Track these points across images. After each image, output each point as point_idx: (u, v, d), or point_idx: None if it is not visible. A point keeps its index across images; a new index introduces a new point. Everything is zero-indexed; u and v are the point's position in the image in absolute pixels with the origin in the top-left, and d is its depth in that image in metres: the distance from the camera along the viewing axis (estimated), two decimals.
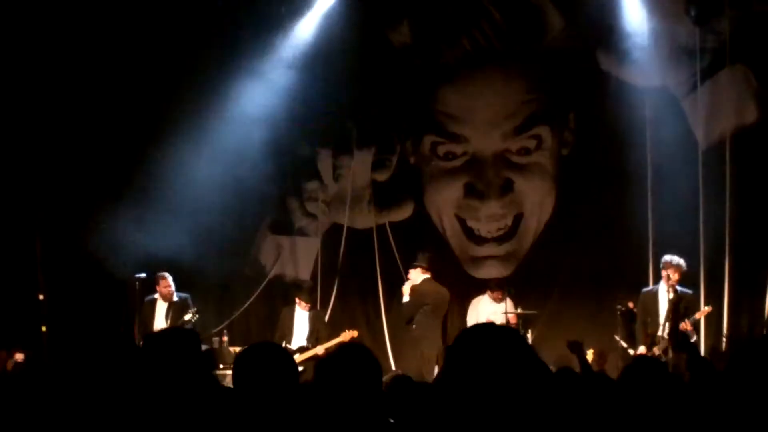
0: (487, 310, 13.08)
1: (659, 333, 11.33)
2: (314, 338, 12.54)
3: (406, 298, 12.52)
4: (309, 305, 12.78)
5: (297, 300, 12.80)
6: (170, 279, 12.54)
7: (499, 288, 13.14)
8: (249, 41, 14.31)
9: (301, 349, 12.32)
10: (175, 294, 12.50)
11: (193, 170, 14.01)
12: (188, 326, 11.55)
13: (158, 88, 13.96)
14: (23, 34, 13.22)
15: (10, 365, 11.93)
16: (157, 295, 12.54)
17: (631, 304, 12.09)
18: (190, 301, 12.50)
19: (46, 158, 13.66)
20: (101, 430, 3.67)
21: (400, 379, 7.91)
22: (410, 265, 12.82)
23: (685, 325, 11.20)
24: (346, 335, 12.53)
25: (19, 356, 12.33)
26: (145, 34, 13.69)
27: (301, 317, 12.74)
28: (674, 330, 11.21)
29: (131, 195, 13.92)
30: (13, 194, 13.53)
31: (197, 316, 12.06)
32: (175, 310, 12.36)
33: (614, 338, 12.07)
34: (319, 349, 12.23)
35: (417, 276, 12.54)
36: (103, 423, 3.67)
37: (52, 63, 13.53)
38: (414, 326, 12.38)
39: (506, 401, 2.62)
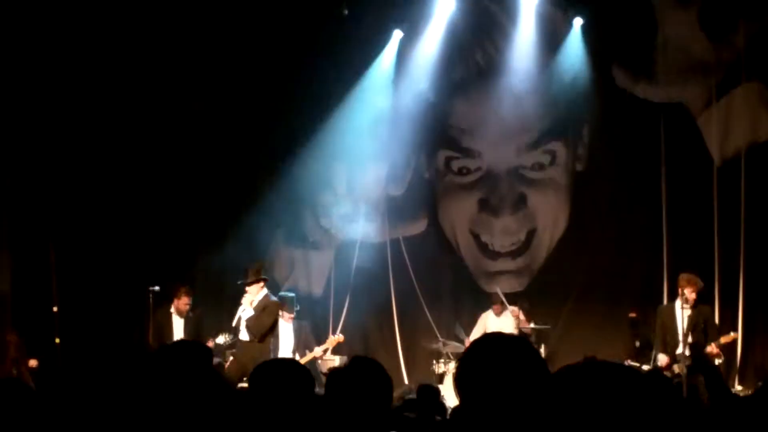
0: (493, 325, 13.06)
1: (679, 350, 11.25)
2: (302, 348, 12.47)
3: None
4: (292, 317, 12.69)
5: (280, 312, 12.40)
6: (190, 298, 12.34)
7: (498, 301, 13.14)
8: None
9: None
10: (190, 309, 12.45)
11: (205, 181, 14.08)
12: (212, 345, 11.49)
13: (161, 92, 14.00)
14: (26, 40, 13.25)
15: (24, 369, 11.99)
16: (172, 309, 12.37)
17: (633, 314, 12.01)
18: (204, 316, 12.49)
19: (61, 169, 13.69)
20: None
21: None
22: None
23: (712, 349, 11.12)
24: (331, 341, 12.51)
25: (33, 362, 12.37)
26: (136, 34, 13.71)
27: (286, 329, 12.62)
28: (694, 347, 11.14)
29: (145, 207, 13.97)
30: (27, 206, 13.55)
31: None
32: (193, 324, 12.29)
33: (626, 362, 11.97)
34: (307, 358, 12.10)
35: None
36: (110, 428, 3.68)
37: (67, 69, 13.57)
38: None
39: (516, 409, 2.62)
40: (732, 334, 11.78)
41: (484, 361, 2.75)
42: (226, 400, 4.17)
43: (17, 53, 13.07)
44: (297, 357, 12.28)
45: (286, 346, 12.53)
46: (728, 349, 12.83)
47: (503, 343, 2.79)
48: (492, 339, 2.85)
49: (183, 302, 12.31)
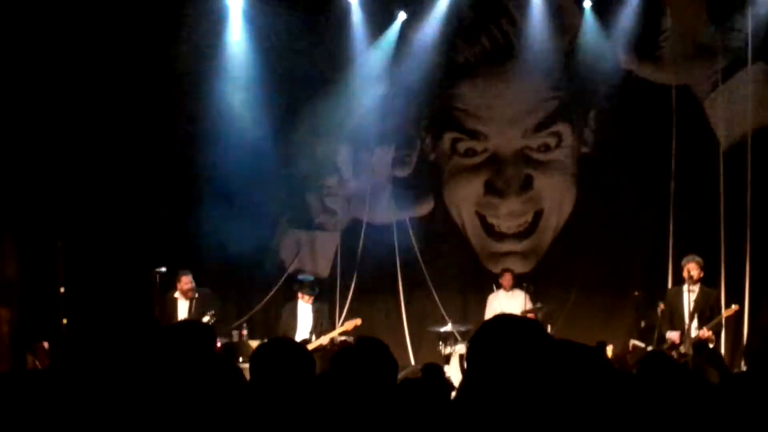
0: (502, 304, 13.09)
1: (685, 331, 11.32)
2: (318, 331, 12.58)
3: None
4: (311, 299, 12.83)
5: (299, 294, 12.85)
6: (190, 277, 12.47)
7: (507, 273, 13.21)
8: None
9: (304, 342, 12.35)
10: (195, 290, 12.52)
11: (213, 164, 14.09)
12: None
13: (168, 81, 14.02)
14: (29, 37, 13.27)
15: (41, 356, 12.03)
16: (177, 293, 12.46)
17: (637, 293, 12.02)
18: (211, 296, 12.51)
19: (65, 155, 13.71)
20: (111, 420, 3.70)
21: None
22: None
23: (705, 333, 11.16)
24: (349, 324, 12.62)
25: (45, 344, 12.41)
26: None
27: (305, 310, 12.79)
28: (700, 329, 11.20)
29: (150, 190, 14.00)
30: (32, 192, 13.58)
31: (215, 318, 11.99)
32: (197, 306, 12.33)
33: (630, 341, 12.00)
34: (324, 340, 12.34)
35: None
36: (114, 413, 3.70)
37: (72, 60, 13.59)
38: None
39: (527, 391, 2.63)
40: (734, 306, 11.81)
41: (496, 341, 2.75)
42: (236, 382, 4.19)
43: (25, 45, 13.09)
44: (314, 338, 12.47)
45: (304, 328, 12.65)
46: (734, 332, 12.86)
47: (515, 326, 2.79)
48: (504, 320, 2.85)
49: (183, 283, 12.39)
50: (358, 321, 12.71)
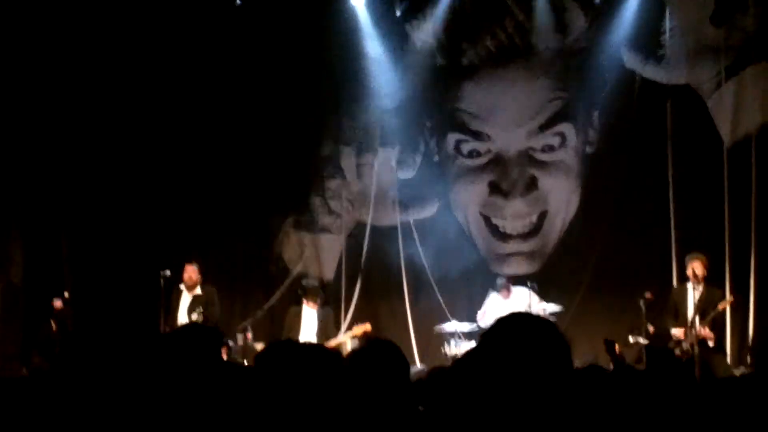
0: (497, 307, 13.04)
1: (689, 328, 11.35)
2: (324, 336, 12.52)
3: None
4: (317, 305, 12.82)
5: (304, 300, 12.82)
6: (194, 267, 12.40)
7: (506, 286, 13.18)
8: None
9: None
10: (200, 287, 12.51)
11: (214, 165, 14.12)
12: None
13: (175, 83, 14.03)
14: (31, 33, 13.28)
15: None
16: (182, 286, 12.43)
17: (649, 294, 12.02)
18: (213, 296, 12.48)
19: (70, 158, 13.73)
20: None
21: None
22: None
23: (703, 331, 11.19)
24: (359, 329, 12.60)
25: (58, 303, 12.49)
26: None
27: (309, 315, 12.74)
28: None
29: (155, 193, 14.02)
30: (38, 195, 13.59)
31: (202, 317, 11.95)
32: (195, 304, 12.31)
33: (630, 337, 11.97)
34: (330, 344, 12.26)
35: None
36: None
37: (77, 58, 13.60)
38: None
39: (540, 386, 2.63)
40: (728, 298, 11.81)
41: (512, 337, 2.75)
42: (233, 383, 4.18)
43: (30, 43, 13.11)
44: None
45: (308, 333, 12.63)
46: (740, 330, 12.85)
47: (531, 323, 2.79)
48: (520, 317, 2.84)
49: (187, 274, 12.37)
50: (368, 327, 12.67)
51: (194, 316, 11.92)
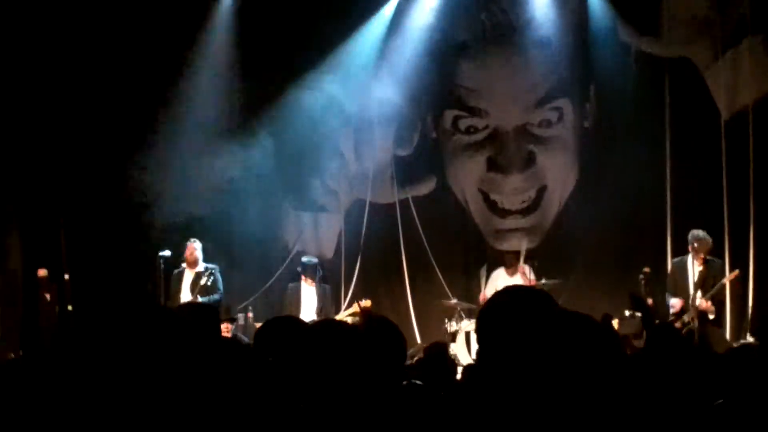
0: (504, 283, 13.08)
1: (690, 302, 11.39)
2: (323, 313, 12.57)
3: None
4: (315, 281, 12.83)
5: (303, 277, 12.86)
6: (194, 245, 12.43)
7: (515, 261, 13.18)
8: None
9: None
10: (202, 264, 12.50)
11: (217, 148, 14.11)
12: None
13: (174, 71, 14.02)
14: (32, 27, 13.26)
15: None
16: (184, 265, 12.43)
17: (647, 269, 12.04)
18: (215, 273, 12.46)
19: (68, 136, 13.71)
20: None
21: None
22: None
23: (703, 304, 11.22)
24: (359, 306, 12.64)
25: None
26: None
27: (308, 292, 12.81)
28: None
29: (154, 175, 14.01)
30: (36, 181, 13.58)
31: (198, 296, 11.99)
32: (196, 281, 12.31)
33: (627, 311, 11.98)
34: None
35: None
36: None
37: (74, 49, 13.58)
38: None
39: (537, 360, 2.64)
40: (735, 271, 11.84)
41: (507, 311, 2.76)
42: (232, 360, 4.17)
43: (27, 37, 13.11)
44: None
45: (308, 310, 12.66)
46: (740, 303, 12.86)
47: (526, 296, 2.80)
48: (515, 291, 2.86)
49: (188, 252, 12.38)
50: (368, 303, 12.71)
51: (198, 297, 11.92)
